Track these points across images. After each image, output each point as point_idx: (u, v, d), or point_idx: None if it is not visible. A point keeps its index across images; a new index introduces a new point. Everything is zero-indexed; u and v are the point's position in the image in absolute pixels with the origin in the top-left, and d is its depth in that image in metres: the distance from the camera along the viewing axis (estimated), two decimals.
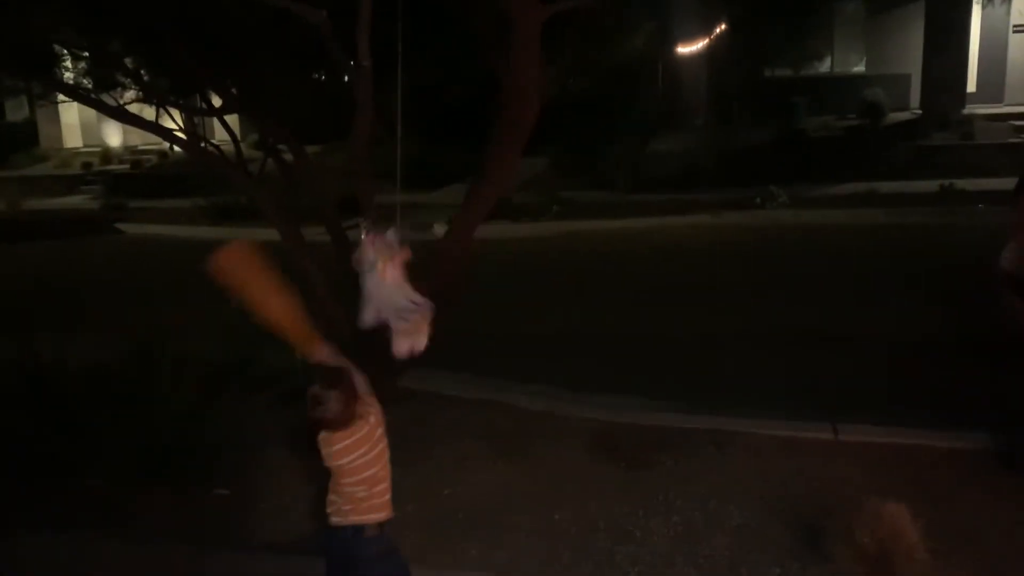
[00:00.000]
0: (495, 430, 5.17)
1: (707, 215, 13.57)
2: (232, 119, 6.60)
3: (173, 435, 4.45)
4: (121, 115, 5.68)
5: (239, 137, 6.64)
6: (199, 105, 6.86)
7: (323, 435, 2.67)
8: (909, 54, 18.40)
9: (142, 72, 6.40)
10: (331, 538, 2.77)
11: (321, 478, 2.84)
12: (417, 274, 3.08)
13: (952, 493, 4.20)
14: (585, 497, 4.32)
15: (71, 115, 24.35)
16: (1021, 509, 4.03)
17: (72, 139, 24.98)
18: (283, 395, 4.94)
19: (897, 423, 4.90)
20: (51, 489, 4.43)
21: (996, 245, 4.50)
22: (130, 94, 6.62)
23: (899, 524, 3.53)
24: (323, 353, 2.83)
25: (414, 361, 3.13)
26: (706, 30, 15.64)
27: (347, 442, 2.66)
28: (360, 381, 2.74)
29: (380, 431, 2.72)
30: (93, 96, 6.06)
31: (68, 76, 6.48)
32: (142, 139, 22.49)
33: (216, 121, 7.75)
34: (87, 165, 22.48)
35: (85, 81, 6.64)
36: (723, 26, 15.44)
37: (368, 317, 2.98)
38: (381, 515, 2.75)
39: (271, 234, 5.74)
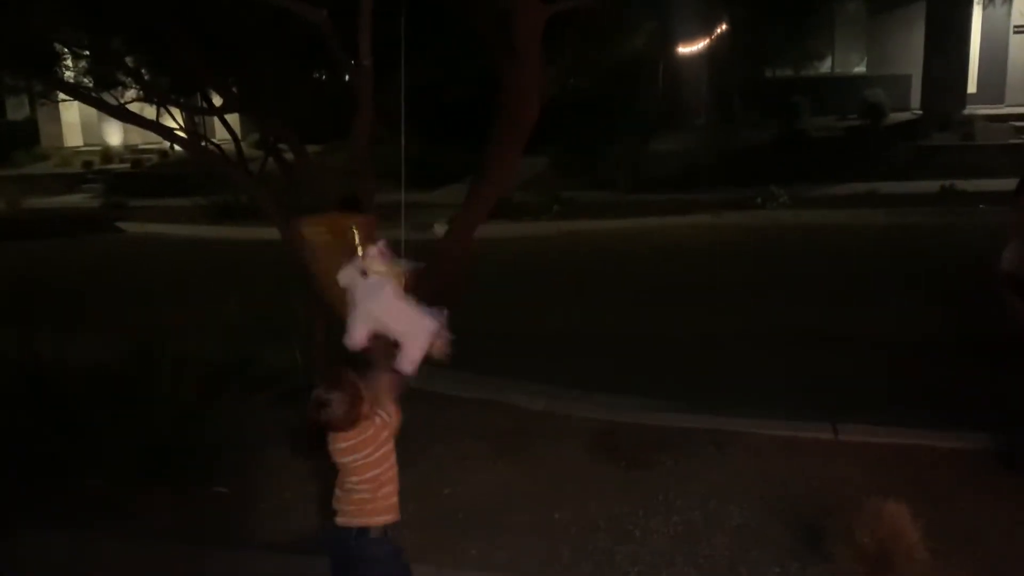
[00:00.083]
0: (495, 430, 5.17)
1: (707, 215, 13.56)
2: (233, 118, 6.60)
3: (173, 435, 4.45)
4: (122, 114, 5.67)
5: (240, 136, 6.64)
6: (200, 104, 6.86)
7: (331, 433, 2.69)
8: (910, 55, 18.41)
9: (143, 71, 6.40)
10: (335, 537, 2.77)
11: (323, 477, 2.84)
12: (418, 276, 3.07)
13: (952, 493, 4.20)
14: (585, 497, 4.32)
15: (72, 114, 24.36)
16: (1021, 509, 4.03)
17: (73, 138, 24.99)
18: (283, 395, 4.94)
19: (897, 423, 4.90)
20: (51, 489, 4.43)
21: (996, 246, 4.50)
22: (131, 93, 6.62)
23: (899, 524, 3.53)
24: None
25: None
26: (707, 30, 15.63)
27: (352, 442, 2.67)
28: (377, 385, 2.74)
29: (386, 434, 2.71)
30: (94, 95, 6.05)
31: (69, 75, 6.47)
32: (143, 138, 22.48)
33: (217, 120, 7.75)
34: (88, 164, 22.48)
35: (86, 80, 6.64)
36: (724, 26, 15.44)
37: (359, 335, 2.89)
38: (386, 518, 2.74)
39: (272, 233, 5.74)
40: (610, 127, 16.53)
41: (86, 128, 24.94)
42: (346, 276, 2.85)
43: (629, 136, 16.71)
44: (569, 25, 5.62)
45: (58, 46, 6.29)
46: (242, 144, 6.36)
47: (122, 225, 16.26)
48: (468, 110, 8.90)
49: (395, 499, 2.78)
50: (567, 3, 4.73)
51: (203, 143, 6.03)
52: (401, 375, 2.88)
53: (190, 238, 14.89)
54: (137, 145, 23.42)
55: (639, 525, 4.05)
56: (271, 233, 5.48)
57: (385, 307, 2.87)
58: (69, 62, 6.54)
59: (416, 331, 2.88)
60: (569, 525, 4.09)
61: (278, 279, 6.19)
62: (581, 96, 13.24)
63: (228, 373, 4.91)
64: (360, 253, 2.93)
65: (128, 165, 22.31)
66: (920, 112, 17.75)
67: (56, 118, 24.18)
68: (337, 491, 2.77)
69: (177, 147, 6.39)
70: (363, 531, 2.71)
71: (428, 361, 2.98)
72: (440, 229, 10.53)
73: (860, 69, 19.79)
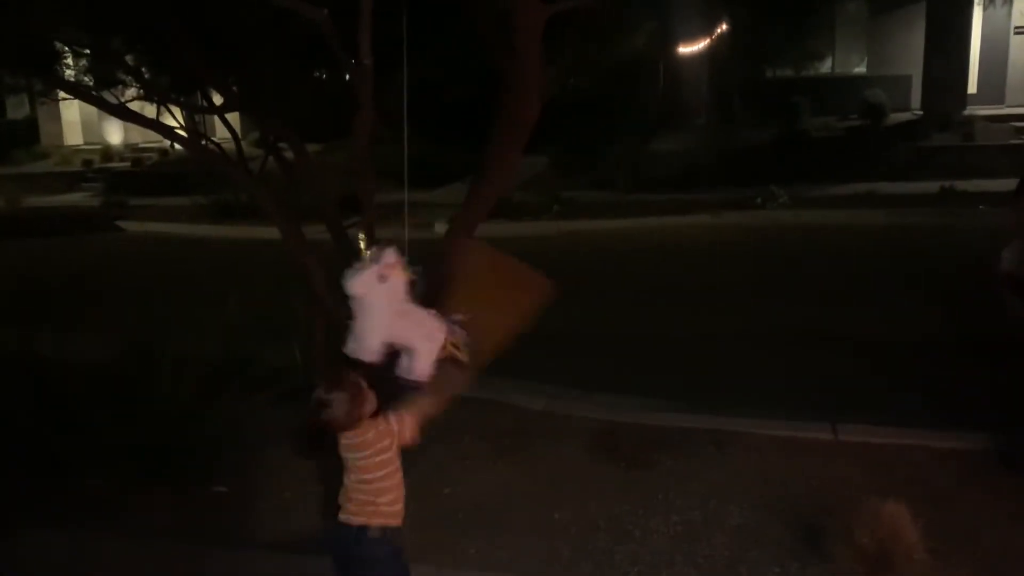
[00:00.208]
0: (495, 430, 5.17)
1: (707, 215, 13.56)
2: (233, 117, 6.60)
3: (173, 434, 4.44)
4: (122, 113, 5.67)
5: (240, 135, 6.64)
6: (200, 103, 6.86)
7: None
8: (910, 55, 18.41)
9: (143, 70, 6.40)
10: (336, 535, 2.77)
11: (323, 477, 2.84)
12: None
13: (952, 493, 4.21)
14: (585, 496, 4.32)
15: (72, 112, 24.38)
16: (1021, 509, 4.03)
17: (73, 136, 25.00)
18: (283, 395, 4.94)
19: (897, 423, 4.90)
20: (51, 489, 4.42)
21: (996, 246, 4.51)
22: (131, 92, 6.61)
23: (899, 524, 3.53)
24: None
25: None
26: (707, 30, 15.62)
27: (353, 440, 2.68)
28: (416, 405, 2.74)
29: (387, 443, 2.68)
30: (94, 93, 6.04)
31: (69, 73, 6.47)
32: (143, 137, 22.49)
33: (217, 119, 7.74)
34: (88, 163, 22.50)
35: (86, 78, 6.63)
36: (724, 26, 15.43)
37: (374, 344, 2.74)
38: (387, 521, 2.73)
39: (272, 232, 5.74)
40: (610, 127, 16.54)
41: (86, 127, 24.96)
42: (363, 284, 2.75)
43: (629, 136, 16.71)
44: (569, 25, 5.62)
45: (58, 45, 6.29)
46: (242, 143, 6.35)
47: (122, 224, 16.27)
48: (468, 110, 8.89)
49: (398, 507, 2.75)
50: (567, 3, 4.72)
51: (203, 142, 6.03)
52: (433, 390, 2.83)
53: (190, 237, 14.89)
54: (137, 144, 23.43)
55: (639, 525, 4.06)
56: (271, 232, 5.48)
57: (402, 315, 2.80)
58: (69, 61, 6.53)
59: (431, 338, 2.84)
60: (569, 525, 4.09)
61: (278, 279, 6.20)
62: (581, 96, 13.25)
63: (228, 373, 4.91)
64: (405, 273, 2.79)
65: (128, 164, 22.33)
66: (920, 112, 17.75)
67: (56, 117, 24.20)
68: (343, 487, 2.77)
69: (177, 146, 6.38)
70: (362, 530, 2.71)
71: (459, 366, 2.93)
72: (441, 228, 10.53)
73: (860, 69, 19.79)
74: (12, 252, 13.45)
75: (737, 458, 4.70)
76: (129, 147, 23.64)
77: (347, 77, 5.15)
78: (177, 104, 6.51)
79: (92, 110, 18.68)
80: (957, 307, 7.23)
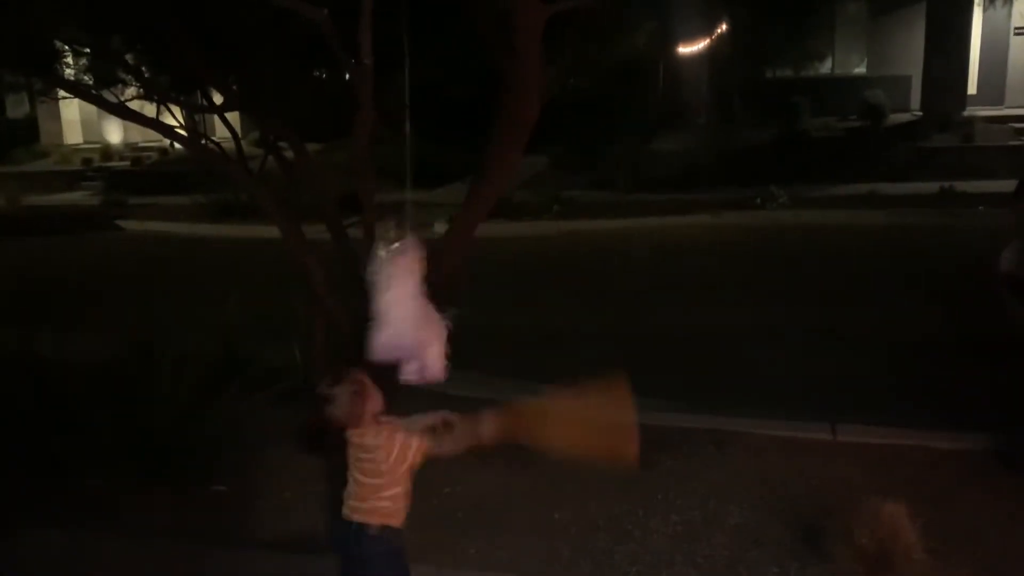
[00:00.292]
0: None
1: (707, 215, 13.57)
2: (233, 116, 6.58)
3: (173, 434, 4.44)
4: (122, 112, 5.66)
5: (240, 134, 6.63)
6: (200, 102, 6.85)
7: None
8: (910, 56, 18.41)
9: (143, 69, 6.39)
10: (339, 533, 2.77)
11: (324, 477, 2.84)
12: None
13: (952, 493, 4.21)
14: (585, 496, 4.32)
15: (72, 111, 24.35)
16: (1021, 509, 4.04)
17: (73, 135, 24.97)
18: (283, 394, 4.94)
19: (897, 423, 4.91)
20: (51, 489, 4.42)
21: (996, 246, 4.51)
22: (131, 91, 6.61)
23: (898, 524, 3.53)
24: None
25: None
26: (707, 30, 15.60)
27: (356, 440, 2.68)
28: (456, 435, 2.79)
29: (385, 453, 2.66)
30: (94, 92, 6.04)
31: (69, 72, 6.47)
32: (143, 136, 22.47)
33: (217, 118, 7.73)
34: (87, 161, 22.48)
35: (86, 77, 6.63)
36: (724, 26, 15.42)
37: (387, 343, 2.77)
38: (386, 520, 2.71)
39: (272, 231, 5.74)
40: (610, 127, 16.53)
41: (86, 126, 24.93)
42: (399, 266, 2.73)
43: (629, 136, 16.71)
44: (569, 25, 5.61)
45: (58, 44, 6.28)
46: (242, 142, 6.35)
47: (122, 223, 16.24)
48: (468, 109, 8.89)
49: (399, 507, 2.73)
50: (567, 3, 4.72)
51: (203, 141, 6.02)
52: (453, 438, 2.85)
53: (190, 236, 14.88)
54: (137, 143, 23.41)
55: (639, 525, 4.06)
56: (271, 232, 5.47)
57: (422, 308, 2.78)
58: (69, 60, 6.53)
59: (441, 337, 2.84)
60: (569, 525, 4.09)
61: (278, 278, 6.20)
62: (581, 96, 13.22)
63: (228, 372, 4.91)
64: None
65: (128, 163, 22.31)
66: (920, 113, 17.75)
67: (56, 115, 24.17)
68: (347, 484, 2.77)
69: (177, 145, 6.38)
70: (362, 527, 2.71)
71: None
72: (441, 228, 10.53)
73: (860, 70, 19.79)
74: (11, 251, 13.44)
75: (737, 458, 4.70)
76: (129, 146, 23.61)
77: (347, 77, 5.14)
78: (177, 103, 6.50)
79: (92, 109, 18.66)
80: (957, 307, 7.24)
